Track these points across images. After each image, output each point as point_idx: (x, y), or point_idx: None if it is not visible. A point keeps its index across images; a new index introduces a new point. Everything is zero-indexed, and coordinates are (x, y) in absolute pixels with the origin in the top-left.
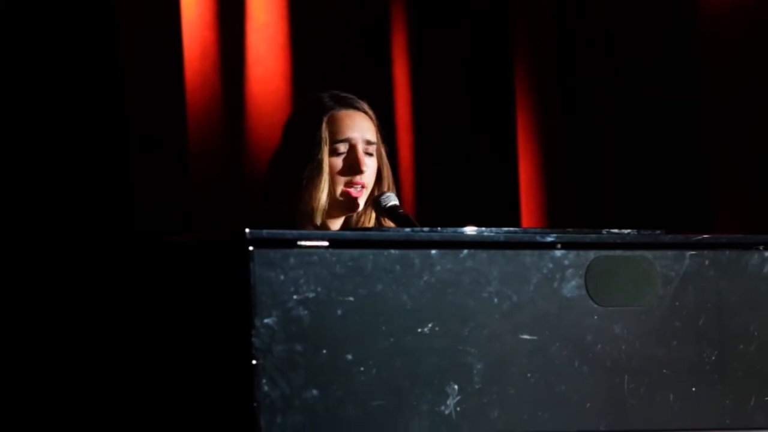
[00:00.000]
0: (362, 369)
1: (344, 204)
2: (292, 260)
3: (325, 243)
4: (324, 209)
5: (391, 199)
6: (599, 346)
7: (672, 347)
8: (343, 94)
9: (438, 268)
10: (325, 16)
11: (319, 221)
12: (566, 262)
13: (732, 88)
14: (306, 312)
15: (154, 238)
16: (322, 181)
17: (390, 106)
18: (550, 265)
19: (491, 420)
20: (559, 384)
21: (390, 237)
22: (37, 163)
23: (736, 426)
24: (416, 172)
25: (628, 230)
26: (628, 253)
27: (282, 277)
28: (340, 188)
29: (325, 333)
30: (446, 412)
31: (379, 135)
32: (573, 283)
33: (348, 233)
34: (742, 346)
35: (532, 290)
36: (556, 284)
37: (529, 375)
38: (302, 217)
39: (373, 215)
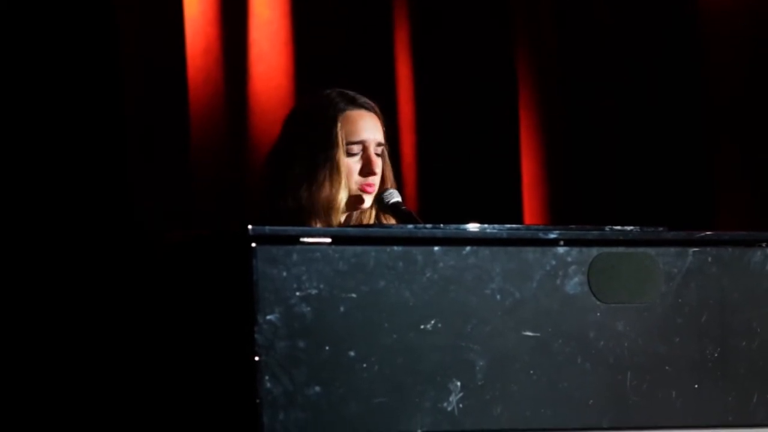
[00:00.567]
0: (365, 366)
1: (353, 203)
2: (294, 257)
3: (328, 239)
4: (343, 209)
5: (394, 196)
6: (602, 342)
7: (674, 344)
8: (353, 94)
9: (441, 264)
10: (327, 13)
11: (336, 220)
12: (569, 259)
13: (733, 86)
14: (308, 308)
15: (157, 235)
16: (342, 182)
17: (393, 103)
18: (553, 262)
19: (494, 416)
20: (562, 381)
21: (393, 234)
22: (37, 161)
23: (739, 423)
24: (419, 169)
25: (631, 227)
26: (631, 249)
27: (284, 274)
28: (353, 188)
29: (327, 329)
30: (449, 408)
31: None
32: (576, 279)
33: (350, 230)
34: (744, 343)
35: (535, 287)
36: (558, 281)
37: (531, 372)
38: (312, 214)
39: (374, 212)
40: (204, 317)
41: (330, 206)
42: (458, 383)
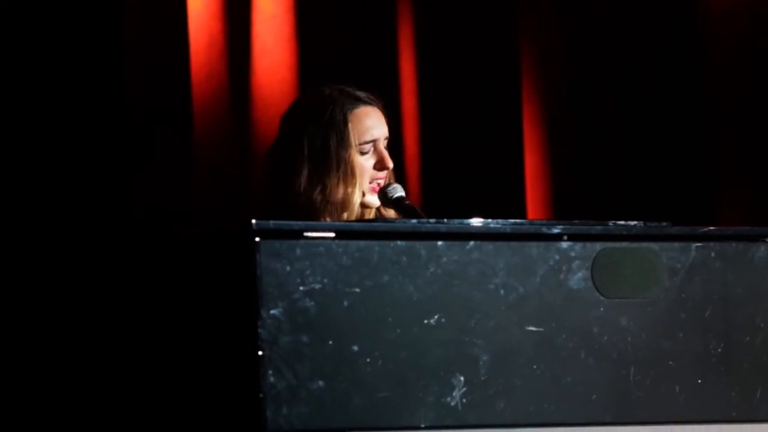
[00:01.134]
0: (368, 360)
1: (365, 204)
2: (298, 251)
3: (332, 234)
4: (355, 207)
5: (398, 191)
6: (605, 337)
7: (678, 339)
8: (354, 90)
9: (444, 259)
10: (331, 8)
11: (349, 218)
12: (573, 254)
13: (734, 83)
14: (312, 303)
15: (161, 230)
16: (357, 182)
17: (396, 97)
18: (557, 257)
19: (497, 411)
20: (565, 376)
21: (396, 228)
22: (38, 157)
23: (742, 418)
24: (422, 163)
25: (635, 222)
26: (635, 244)
27: (288, 268)
28: (367, 186)
29: (331, 324)
30: (452, 403)
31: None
32: (579, 274)
33: (354, 224)
34: (748, 338)
35: (539, 282)
36: (562, 276)
37: (535, 366)
38: (324, 212)
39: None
40: (207, 312)
41: (345, 203)
42: (462, 378)
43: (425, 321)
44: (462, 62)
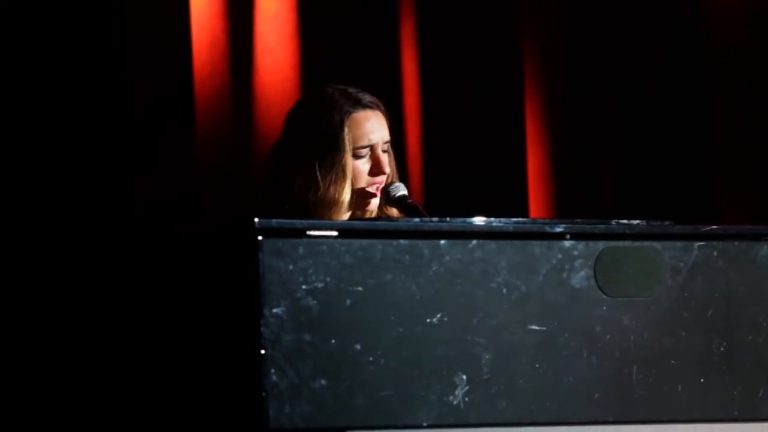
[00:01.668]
0: (371, 359)
1: (360, 202)
2: (301, 250)
3: (334, 233)
4: (347, 208)
5: (400, 189)
6: (608, 336)
7: (680, 338)
8: (356, 92)
9: (447, 258)
10: (334, 7)
11: (337, 219)
12: (575, 253)
13: (738, 82)
14: (315, 302)
15: (163, 228)
16: (347, 184)
17: (399, 96)
18: (559, 256)
19: (499, 410)
20: (568, 375)
21: (399, 227)
22: (40, 155)
23: (744, 417)
24: (425, 162)
25: (637, 221)
26: (637, 243)
27: (291, 267)
28: (361, 188)
29: (333, 323)
30: (454, 402)
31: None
32: (582, 273)
33: (357, 223)
34: (750, 337)
35: (541, 281)
36: (565, 275)
37: (537, 365)
38: (312, 215)
39: (378, 205)
40: (210, 311)
41: (333, 205)
42: (464, 377)
43: (428, 320)
44: (464, 61)
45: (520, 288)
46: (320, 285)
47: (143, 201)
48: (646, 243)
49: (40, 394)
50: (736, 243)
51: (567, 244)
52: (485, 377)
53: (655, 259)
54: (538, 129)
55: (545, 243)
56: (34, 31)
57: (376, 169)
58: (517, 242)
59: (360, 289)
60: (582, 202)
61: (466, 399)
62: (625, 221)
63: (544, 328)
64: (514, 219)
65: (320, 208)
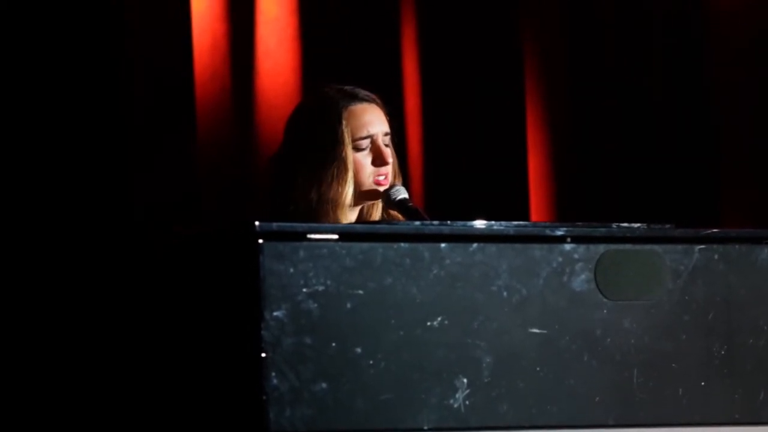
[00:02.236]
0: (371, 362)
1: (371, 194)
2: (301, 253)
3: (335, 236)
4: (349, 205)
5: (401, 192)
6: (608, 339)
7: (681, 341)
8: (353, 88)
9: (447, 261)
10: (334, 10)
11: (342, 217)
12: (576, 256)
13: (739, 83)
14: (315, 305)
15: (163, 231)
16: (349, 178)
17: (400, 99)
18: (560, 259)
19: (500, 413)
20: (568, 378)
21: (400, 230)
22: (41, 158)
23: (745, 420)
24: (426, 165)
25: (638, 224)
26: (638, 247)
27: (291, 270)
28: (368, 181)
29: (334, 326)
30: (455, 405)
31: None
32: (582, 276)
33: (357, 226)
34: (751, 341)
35: (542, 284)
36: (565, 278)
37: (538, 369)
38: (320, 214)
39: (380, 208)
40: (210, 313)
41: (337, 203)
42: (465, 380)
43: (428, 323)
44: (465, 63)
45: (520, 291)
46: (321, 288)
47: (143, 204)
48: (647, 246)
49: (39, 395)
50: (737, 246)
51: (567, 247)
52: (486, 380)
53: (655, 262)
54: (539, 131)
55: (546, 246)
56: (34, 32)
57: (379, 160)
58: (517, 245)
59: (360, 292)
60: (583, 205)
61: (467, 402)
62: (625, 224)
63: (544, 332)
64: (515, 222)
65: (324, 206)
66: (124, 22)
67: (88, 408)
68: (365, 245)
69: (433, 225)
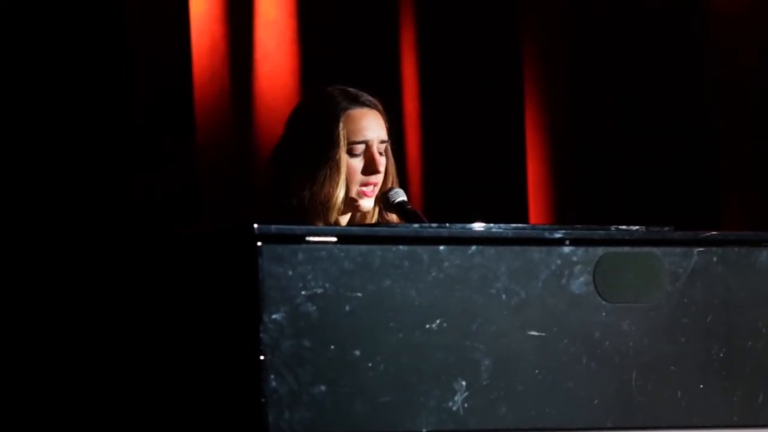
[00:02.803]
0: (370, 365)
1: (351, 204)
2: (300, 256)
3: (334, 239)
4: (340, 208)
5: (399, 195)
6: (607, 342)
7: (680, 344)
8: (356, 91)
9: (446, 264)
10: (333, 12)
11: (333, 219)
12: (574, 259)
13: (739, 85)
14: (314, 307)
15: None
16: (341, 181)
17: (398, 101)
18: (559, 262)
19: (499, 416)
20: (567, 380)
21: (398, 233)
22: (40, 159)
23: (744, 423)
24: (424, 167)
25: (637, 227)
26: (637, 249)
27: (290, 273)
28: (355, 188)
29: (333, 329)
30: (454, 408)
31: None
32: (581, 279)
33: (356, 229)
34: (750, 343)
35: (541, 286)
36: (564, 280)
37: (536, 371)
38: (312, 213)
39: (378, 211)
40: (209, 315)
41: (327, 204)
42: (463, 383)
43: (427, 326)
44: (464, 66)
45: (519, 294)
46: (319, 291)
47: (142, 207)
48: (646, 249)
49: (38, 396)
50: (736, 249)
51: (566, 249)
52: (485, 383)
53: (654, 264)
54: (538, 133)
55: (544, 249)
56: (35, 34)
57: (369, 168)
58: (516, 248)
59: (359, 294)
60: (581, 207)
61: (466, 405)
62: (624, 227)
63: (543, 334)
64: (514, 225)
65: (315, 206)
66: (123, 24)
67: (86, 410)
68: (364, 248)
69: (431, 227)
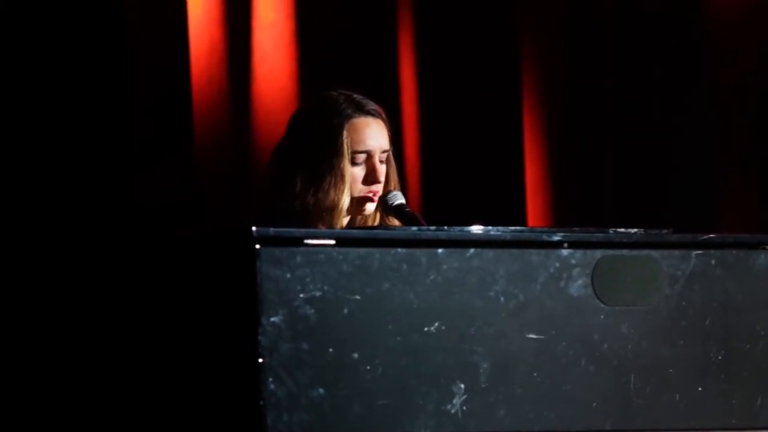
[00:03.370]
0: (368, 368)
1: (357, 207)
2: (298, 258)
3: (332, 241)
4: (342, 213)
5: (398, 198)
6: (606, 345)
7: (678, 347)
8: (360, 98)
9: (444, 266)
10: (331, 15)
11: (338, 224)
12: (573, 261)
13: (739, 87)
14: (312, 310)
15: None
16: (345, 188)
17: (396, 104)
18: (557, 264)
19: (497, 419)
20: (566, 383)
21: (397, 236)
22: (40, 161)
23: (742, 426)
24: (423, 170)
25: (635, 229)
26: (635, 252)
27: (289, 276)
28: (356, 195)
29: (331, 331)
30: (452, 411)
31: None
32: (580, 282)
33: (355, 232)
34: (748, 346)
35: (539, 289)
36: (562, 283)
37: (535, 374)
38: (316, 217)
39: (378, 214)
40: (207, 318)
41: (333, 209)
42: (462, 385)
43: (425, 328)
44: (462, 68)
45: (517, 296)
46: (318, 293)
47: (141, 208)
48: (644, 251)
49: (38, 396)
50: (734, 251)
51: (565, 252)
52: (483, 386)
53: (652, 267)
54: (536, 137)
55: (543, 252)
56: (35, 34)
57: (370, 178)
58: (514, 251)
59: (358, 297)
60: (580, 211)
61: (464, 408)
62: (622, 230)
63: (542, 337)
64: (512, 227)
65: (319, 211)
66: (122, 26)
67: (85, 411)
68: (362, 251)
69: (430, 230)
